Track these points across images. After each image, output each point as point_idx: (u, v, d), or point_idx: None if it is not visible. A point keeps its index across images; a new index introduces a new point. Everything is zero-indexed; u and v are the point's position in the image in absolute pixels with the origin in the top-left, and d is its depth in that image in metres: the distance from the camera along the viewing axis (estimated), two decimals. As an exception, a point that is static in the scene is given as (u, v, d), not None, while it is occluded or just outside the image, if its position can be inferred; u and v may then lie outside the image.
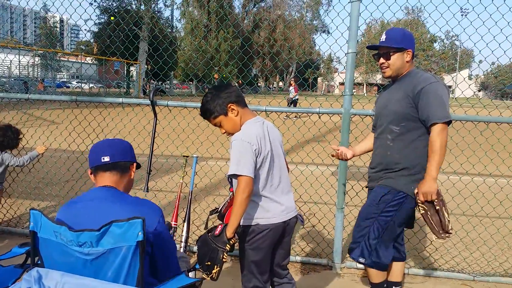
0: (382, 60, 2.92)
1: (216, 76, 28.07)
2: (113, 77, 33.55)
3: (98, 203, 2.03)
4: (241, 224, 2.37)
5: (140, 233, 1.81)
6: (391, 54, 2.87)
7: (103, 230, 1.80)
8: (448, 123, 2.71)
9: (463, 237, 4.44)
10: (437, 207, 2.77)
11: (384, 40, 2.89)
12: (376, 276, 3.07)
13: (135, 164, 2.25)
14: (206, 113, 2.46)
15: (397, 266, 3.20)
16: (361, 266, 3.99)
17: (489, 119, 3.67)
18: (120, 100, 4.10)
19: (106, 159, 2.10)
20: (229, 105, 2.40)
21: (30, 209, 1.92)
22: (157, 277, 2.12)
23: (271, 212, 2.39)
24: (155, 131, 3.90)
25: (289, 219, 2.46)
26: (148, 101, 3.95)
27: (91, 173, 2.16)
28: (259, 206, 2.39)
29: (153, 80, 33.60)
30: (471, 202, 4.53)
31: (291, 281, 2.67)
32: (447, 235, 2.79)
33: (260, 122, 2.45)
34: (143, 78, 29.29)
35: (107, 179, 2.12)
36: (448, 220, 2.78)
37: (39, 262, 2.00)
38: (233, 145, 2.33)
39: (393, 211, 2.89)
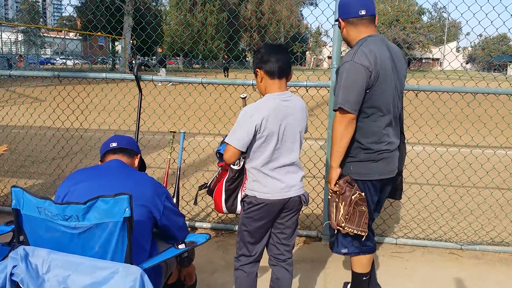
0: None
1: (160, 49, 27.40)
2: (97, 52, 32.95)
3: (115, 169, 2.25)
4: (245, 192, 2.48)
5: (127, 209, 1.81)
6: (339, 27, 2.69)
7: (89, 204, 1.79)
8: (347, 110, 2.43)
9: (450, 207, 4.50)
10: (333, 200, 2.68)
11: None
12: (359, 264, 2.88)
13: (139, 155, 2.51)
14: None
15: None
16: (350, 237, 4.04)
17: (475, 90, 3.67)
18: (103, 75, 4.01)
19: (114, 144, 2.38)
20: (257, 69, 2.39)
21: (11, 187, 1.89)
22: (174, 239, 2.31)
23: (268, 187, 2.38)
24: (140, 106, 3.84)
25: (290, 197, 2.42)
26: (132, 76, 3.88)
27: (101, 161, 2.42)
28: (258, 180, 2.40)
29: (139, 56, 33.12)
30: (458, 173, 4.57)
31: (288, 269, 2.62)
32: (338, 227, 2.67)
33: (280, 99, 2.35)
34: (129, 54, 28.82)
35: (116, 157, 2.35)
36: (344, 219, 2.62)
37: (24, 240, 1.99)
38: (240, 114, 2.34)
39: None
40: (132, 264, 1.86)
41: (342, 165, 2.63)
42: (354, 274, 2.95)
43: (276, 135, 2.32)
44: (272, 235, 2.59)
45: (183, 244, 2.27)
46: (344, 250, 2.82)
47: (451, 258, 3.82)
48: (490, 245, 3.97)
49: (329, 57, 61.15)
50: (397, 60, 2.59)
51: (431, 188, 4.77)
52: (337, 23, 2.72)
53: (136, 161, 2.47)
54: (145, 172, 2.52)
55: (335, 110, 2.53)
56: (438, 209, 4.44)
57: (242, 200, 2.53)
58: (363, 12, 2.54)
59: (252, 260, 2.58)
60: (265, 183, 2.39)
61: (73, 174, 2.26)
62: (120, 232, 1.82)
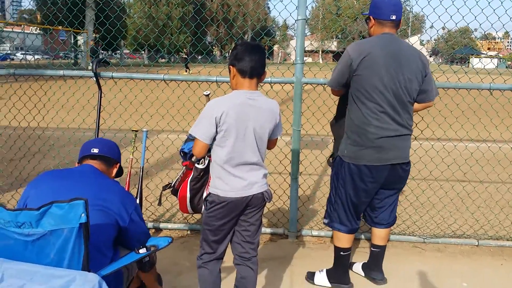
0: None
1: (91, 42, 26.75)
2: (61, 47, 32.03)
3: (88, 174, 2.25)
4: (208, 190, 2.50)
5: (83, 214, 1.76)
6: (367, 21, 3.01)
7: (43, 210, 1.73)
8: (329, 86, 3.03)
9: (413, 201, 4.57)
10: None
11: None
12: (338, 239, 3.17)
13: (118, 165, 2.51)
14: None
15: (373, 231, 3.29)
16: (316, 233, 4.06)
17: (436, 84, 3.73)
18: (61, 72, 3.87)
19: (95, 150, 2.37)
20: (229, 66, 2.43)
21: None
22: (131, 247, 2.24)
23: (230, 185, 2.39)
24: (100, 104, 3.72)
25: (253, 195, 2.43)
26: (91, 73, 3.76)
27: (78, 162, 2.40)
28: (220, 177, 2.41)
29: (103, 50, 32.37)
30: (420, 167, 4.65)
31: (253, 268, 2.61)
32: None
33: (246, 97, 2.37)
34: (91, 46, 28.11)
35: (92, 163, 2.34)
36: None
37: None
38: (204, 107, 2.39)
39: (337, 177, 3.06)
40: (89, 271, 1.80)
41: (340, 145, 3.02)
42: (334, 248, 3.25)
43: (235, 130, 2.32)
44: (236, 233, 2.58)
45: (144, 249, 2.21)
46: (325, 221, 3.23)
47: (414, 252, 3.89)
48: (452, 237, 4.06)
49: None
50: (403, 57, 2.80)
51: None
52: (363, 17, 3.08)
53: (114, 171, 2.49)
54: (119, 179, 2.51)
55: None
56: (401, 203, 4.50)
57: (204, 199, 2.53)
58: (393, 17, 2.86)
59: (214, 257, 2.58)
60: (227, 181, 2.39)
61: (39, 176, 2.22)
62: (76, 238, 1.76)
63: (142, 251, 2.20)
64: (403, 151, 2.91)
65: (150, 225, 4.15)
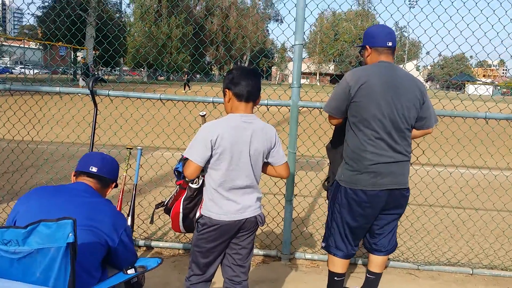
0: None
1: (82, 60, 26.79)
2: (58, 62, 32.14)
3: (81, 193, 2.21)
4: (200, 212, 2.49)
5: (70, 234, 1.74)
6: (360, 52, 3.11)
7: (30, 228, 1.71)
8: (325, 110, 3.01)
9: (407, 227, 4.54)
10: None
11: None
12: (332, 264, 3.14)
13: (114, 184, 2.48)
14: None
15: (371, 258, 3.23)
16: (310, 257, 4.02)
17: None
18: (57, 89, 3.86)
19: (94, 169, 2.32)
20: (225, 89, 2.44)
21: None
22: (118, 267, 2.24)
23: (223, 209, 2.38)
24: (95, 122, 3.71)
25: (246, 218, 2.41)
26: (87, 91, 3.75)
27: (74, 175, 2.36)
28: (213, 200, 2.40)
29: (102, 67, 32.54)
30: (415, 193, 4.62)
31: None
32: None
33: (241, 120, 2.38)
34: (90, 65, 28.25)
35: (88, 182, 2.30)
36: None
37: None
38: (199, 130, 2.40)
39: (334, 201, 3.03)
40: (75, 291, 1.76)
41: (338, 170, 3.04)
42: (328, 272, 3.21)
43: (229, 153, 2.32)
44: (227, 255, 2.55)
45: (133, 269, 2.19)
46: (323, 244, 3.20)
47: (408, 279, 3.84)
48: (446, 265, 4.02)
49: (294, 73, 61.99)
50: (401, 84, 2.82)
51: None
52: (358, 48, 3.15)
53: (110, 190, 2.46)
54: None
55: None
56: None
57: (196, 221, 2.50)
58: (390, 44, 2.91)
59: (203, 279, 2.55)
60: (221, 204, 2.38)
61: (31, 191, 2.19)
62: (63, 258, 1.74)
63: (131, 271, 2.17)
64: (400, 177, 2.89)
65: (141, 243, 4.10)
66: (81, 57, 28.14)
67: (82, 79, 19.77)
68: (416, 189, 4.57)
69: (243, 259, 2.53)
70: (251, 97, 2.41)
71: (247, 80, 2.40)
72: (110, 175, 2.41)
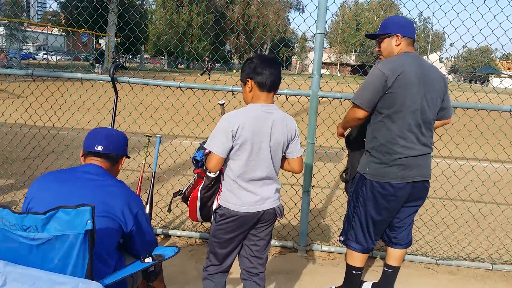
0: (377, 47, 3.02)
1: (97, 46, 26.35)
2: (82, 49, 32.43)
3: (90, 177, 2.14)
4: (218, 203, 2.45)
5: (89, 221, 1.73)
6: (380, 41, 2.97)
7: (49, 215, 1.70)
8: (359, 105, 2.79)
9: (427, 221, 4.47)
10: None
11: (378, 29, 3.01)
12: (351, 258, 3.10)
13: (124, 158, 2.39)
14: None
15: (390, 251, 3.19)
16: (327, 249, 3.99)
17: (454, 104, 3.67)
18: (78, 75, 3.89)
19: (99, 148, 2.23)
20: (248, 79, 2.37)
21: (-33, 195, 1.79)
22: (137, 254, 2.20)
23: (242, 200, 2.35)
24: (115, 109, 3.73)
25: (264, 210, 2.39)
26: (108, 77, 3.77)
27: (82, 155, 2.29)
28: (232, 191, 2.37)
29: (124, 54, 32.74)
30: (436, 186, 4.55)
31: (260, 284, 2.55)
32: None
33: (262, 110, 2.33)
34: (112, 52, 28.44)
35: (97, 163, 2.23)
36: None
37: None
38: (219, 121, 2.35)
39: (357, 195, 2.97)
40: (93, 279, 1.77)
41: (360, 162, 2.98)
42: (346, 265, 3.18)
43: (250, 144, 2.28)
44: (244, 246, 2.53)
45: (150, 258, 2.17)
46: (341, 238, 3.15)
47: (426, 273, 3.79)
48: (465, 260, 3.96)
49: (314, 63, 61.34)
50: (429, 76, 2.80)
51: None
52: (389, 35, 2.94)
53: (121, 165, 2.39)
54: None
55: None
56: (415, 223, 4.40)
57: (214, 211, 2.47)
58: (415, 35, 2.94)
59: (221, 270, 2.53)
60: (239, 195, 2.35)
61: (43, 176, 2.16)
62: (81, 245, 1.74)
63: (148, 260, 2.16)
64: (425, 169, 2.88)
65: (159, 231, 4.13)
66: (97, 43, 28.35)
67: (91, 64, 19.90)
68: (437, 182, 4.49)
69: (260, 250, 2.51)
70: (274, 86, 2.37)
71: (270, 69, 2.34)
72: (118, 151, 2.32)
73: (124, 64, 3.92)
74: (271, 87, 2.36)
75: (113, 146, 2.28)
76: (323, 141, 4.39)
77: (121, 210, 2.08)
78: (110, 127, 2.45)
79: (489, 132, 4.33)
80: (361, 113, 2.81)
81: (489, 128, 4.20)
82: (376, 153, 2.83)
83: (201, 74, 26.24)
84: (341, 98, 3.78)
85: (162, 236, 4.14)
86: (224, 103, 3.38)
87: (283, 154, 2.48)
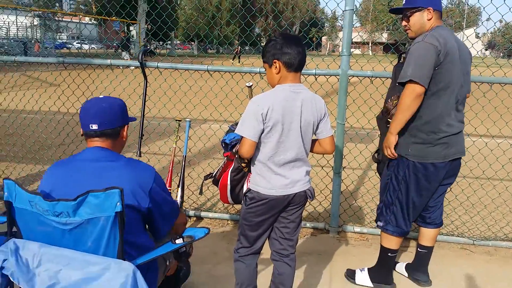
0: (404, 22, 2.88)
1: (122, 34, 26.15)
2: (116, 37, 32.90)
3: (89, 164, 2.01)
4: (248, 186, 2.42)
5: (118, 203, 1.75)
6: (409, 15, 2.82)
7: (79, 200, 1.73)
8: (418, 82, 2.57)
9: (463, 201, 4.35)
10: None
11: (404, 2, 2.86)
12: (388, 240, 3.04)
13: (126, 126, 2.17)
14: (262, 52, 2.42)
15: (423, 231, 3.15)
16: (359, 230, 3.96)
17: (491, 80, 3.53)
18: (108, 62, 3.94)
19: (94, 127, 2.04)
20: (274, 60, 2.29)
21: (3, 179, 1.84)
22: (158, 235, 2.17)
23: (272, 183, 2.32)
24: (145, 94, 3.77)
25: (295, 193, 2.35)
26: (137, 63, 3.80)
27: (82, 135, 2.12)
28: (262, 174, 2.34)
29: (153, 41, 33.01)
30: (472, 165, 4.42)
31: (291, 264, 2.54)
32: None
33: (292, 90, 2.28)
34: (143, 39, 28.71)
35: (97, 143, 2.08)
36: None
37: (17, 232, 1.94)
38: (248, 105, 2.29)
39: (398, 178, 2.89)
40: (124, 260, 1.79)
41: (399, 144, 2.81)
42: (381, 248, 3.10)
43: (281, 125, 2.24)
44: (275, 229, 2.52)
45: (181, 239, 2.17)
46: (380, 224, 3.04)
47: (462, 254, 3.71)
48: (503, 240, 3.84)
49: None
50: (462, 50, 2.72)
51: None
52: (419, 9, 2.78)
53: (125, 135, 2.17)
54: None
55: (402, 84, 2.65)
56: (451, 203, 4.30)
57: (244, 194, 2.46)
58: (442, 8, 2.83)
59: (252, 251, 2.53)
60: (269, 178, 2.32)
61: (52, 168, 2.07)
62: (112, 227, 1.76)
63: (179, 241, 2.17)
64: (462, 145, 2.84)
65: (191, 213, 4.19)
66: (121, 31, 28.61)
67: (121, 50, 20.10)
68: (474, 161, 4.36)
69: (291, 232, 2.49)
70: (301, 65, 2.31)
71: (297, 47, 2.27)
72: (116, 123, 2.09)
73: (152, 49, 3.93)
74: (299, 66, 2.30)
75: (109, 121, 2.06)
76: (354, 121, 4.31)
77: (131, 192, 1.95)
78: (101, 96, 2.21)
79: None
80: (420, 90, 2.60)
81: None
82: (418, 133, 2.74)
83: (233, 59, 26.19)
84: (372, 77, 3.69)
85: (194, 218, 4.19)
86: (252, 85, 3.35)
87: (314, 136, 2.43)
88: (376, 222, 3.10)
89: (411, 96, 2.60)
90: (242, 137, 2.27)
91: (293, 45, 2.27)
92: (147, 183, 2.03)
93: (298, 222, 2.51)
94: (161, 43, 37.43)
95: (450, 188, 4.37)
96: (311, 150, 2.48)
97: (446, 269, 3.43)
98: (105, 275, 1.73)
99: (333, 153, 3.78)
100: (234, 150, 3.24)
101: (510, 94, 3.92)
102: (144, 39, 28.33)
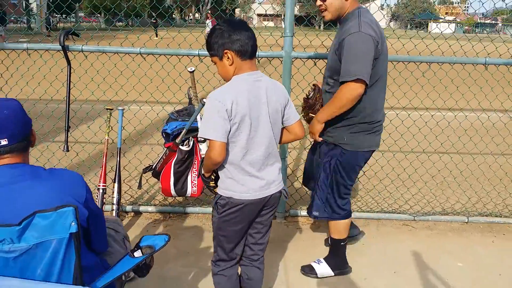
0: (318, 2, 2.62)
1: None
2: (9, 11, 30.03)
3: (7, 187, 1.61)
4: (218, 192, 2.19)
5: (73, 223, 1.51)
6: None
7: (25, 224, 1.49)
8: (363, 80, 2.43)
9: (405, 179, 4.49)
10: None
11: None
12: (337, 231, 3.02)
13: (32, 129, 1.78)
14: (206, 45, 2.15)
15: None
16: (305, 213, 3.90)
17: (421, 59, 3.64)
18: (24, 46, 3.46)
19: (4, 142, 1.65)
20: (225, 50, 2.04)
21: None
22: (93, 249, 1.93)
23: (246, 186, 2.10)
24: (70, 80, 3.37)
25: (271, 195, 2.18)
26: (58, 47, 3.36)
27: None
28: (233, 178, 2.10)
29: (56, 14, 30.76)
30: (396, 137, 4.48)
31: (260, 267, 2.40)
32: None
33: (252, 79, 2.06)
34: (45, 12, 26.52)
35: (6, 161, 1.68)
36: None
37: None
38: (206, 103, 2.04)
39: (331, 165, 2.83)
40: (84, 285, 1.59)
41: (335, 133, 2.72)
42: (332, 240, 3.08)
43: (249, 120, 2.02)
44: (247, 236, 2.33)
45: (139, 251, 1.94)
46: (316, 213, 2.94)
47: (405, 230, 3.83)
48: (442, 215, 4.00)
49: (259, 15, 60.28)
50: (383, 34, 2.62)
51: (382, 155, 4.67)
52: None
53: (34, 136, 1.81)
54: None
55: (343, 82, 2.48)
56: (393, 182, 4.40)
57: (215, 202, 2.20)
58: None
59: (231, 264, 2.35)
60: (243, 181, 2.10)
61: None
62: (67, 249, 1.53)
63: (138, 254, 1.94)
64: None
65: (128, 208, 3.89)
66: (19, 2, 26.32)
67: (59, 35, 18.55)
68: (397, 133, 4.42)
69: (263, 236, 2.34)
70: (254, 51, 2.08)
71: (246, 32, 2.04)
72: (25, 131, 1.74)
73: (75, 31, 3.50)
74: (253, 52, 2.07)
75: (18, 131, 1.70)
76: (299, 104, 4.21)
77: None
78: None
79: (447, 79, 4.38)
80: (362, 89, 2.47)
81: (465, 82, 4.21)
82: (359, 124, 2.66)
83: (156, 33, 25.01)
84: (316, 58, 3.59)
85: (132, 214, 3.90)
86: (193, 70, 3.11)
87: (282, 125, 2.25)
88: (313, 213, 2.98)
89: (353, 95, 2.48)
90: (207, 140, 2.02)
91: (242, 30, 2.04)
92: (80, 192, 1.74)
93: (269, 225, 2.36)
94: (64, 15, 34.98)
95: (393, 168, 4.50)
96: (280, 141, 2.29)
97: (390, 245, 3.51)
98: (65, 305, 1.51)
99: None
100: (177, 141, 3.00)
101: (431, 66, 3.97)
102: (46, 12, 26.17)
